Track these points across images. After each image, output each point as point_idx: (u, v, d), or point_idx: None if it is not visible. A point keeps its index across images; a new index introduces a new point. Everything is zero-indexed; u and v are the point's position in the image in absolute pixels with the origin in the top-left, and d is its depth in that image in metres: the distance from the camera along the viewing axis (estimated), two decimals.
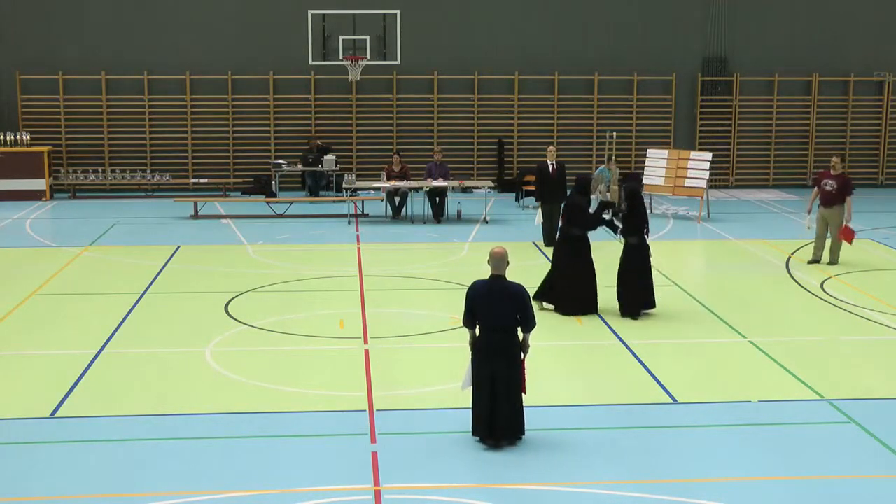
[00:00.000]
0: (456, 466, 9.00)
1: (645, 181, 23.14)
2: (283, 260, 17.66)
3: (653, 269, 14.23)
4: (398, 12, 23.70)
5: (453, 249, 18.79)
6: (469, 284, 9.65)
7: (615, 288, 14.16)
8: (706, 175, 22.28)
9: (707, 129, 27.08)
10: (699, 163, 22.48)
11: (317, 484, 8.60)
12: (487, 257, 9.51)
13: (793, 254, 18.22)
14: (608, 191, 23.10)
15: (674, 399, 10.73)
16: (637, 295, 14.01)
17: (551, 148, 19.62)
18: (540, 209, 19.00)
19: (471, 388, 9.50)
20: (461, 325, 9.72)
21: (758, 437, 9.73)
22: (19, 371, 11.72)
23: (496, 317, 9.33)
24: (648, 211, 22.74)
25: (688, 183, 22.46)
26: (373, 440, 9.57)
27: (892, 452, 9.35)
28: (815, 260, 17.34)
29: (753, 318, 13.96)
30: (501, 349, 9.34)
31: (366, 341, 12.78)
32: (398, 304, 14.75)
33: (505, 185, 26.00)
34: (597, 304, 14.14)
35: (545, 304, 14.09)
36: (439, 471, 8.91)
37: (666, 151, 23.44)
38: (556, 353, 12.28)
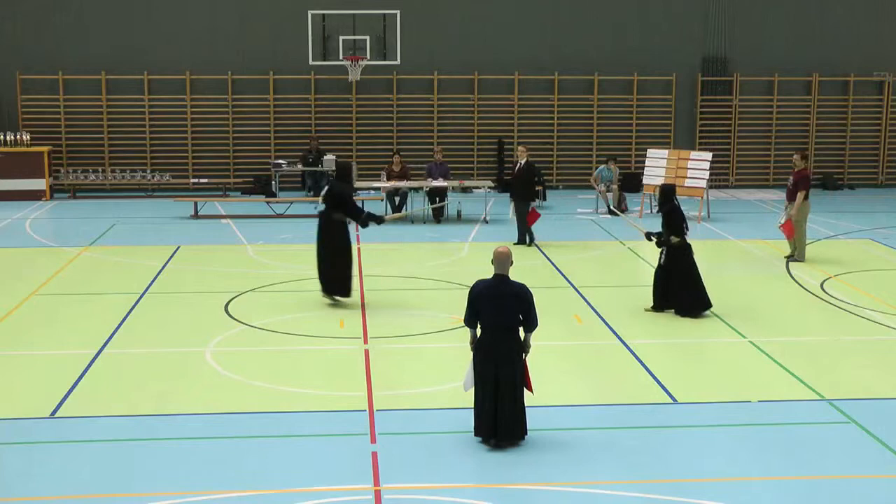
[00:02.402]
0: (456, 466, 9.00)
1: (645, 181, 23.18)
2: (283, 260, 17.66)
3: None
4: (398, 12, 23.71)
5: (453, 249, 18.79)
6: (469, 284, 9.66)
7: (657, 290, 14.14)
8: (706, 175, 22.29)
9: (707, 129, 27.08)
10: (699, 163, 22.48)
11: (317, 484, 8.60)
12: (491, 257, 9.51)
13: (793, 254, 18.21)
14: (608, 190, 23.12)
15: (674, 399, 10.73)
16: (694, 295, 13.94)
17: (521, 148, 19.73)
18: (512, 206, 19.26)
19: (473, 389, 9.51)
20: (461, 325, 9.72)
21: (758, 437, 9.73)
22: (19, 371, 11.72)
23: (499, 316, 9.32)
24: (648, 211, 22.90)
25: (688, 183, 22.45)
26: (373, 440, 9.57)
27: (892, 452, 9.35)
28: (792, 256, 17.73)
29: (753, 317, 13.95)
30: (504, 349, 9.33)
31: (366, 341, 12.77)
32: (398, 304, 14.75)
33: (505, 185, 25.97)
34: (350, 286, 14.40)
35: (337, 297, 14.34)
36: (439, 471, 8.91)
37: (666, 151, 23.44)
38: (556, 353, 12.28)
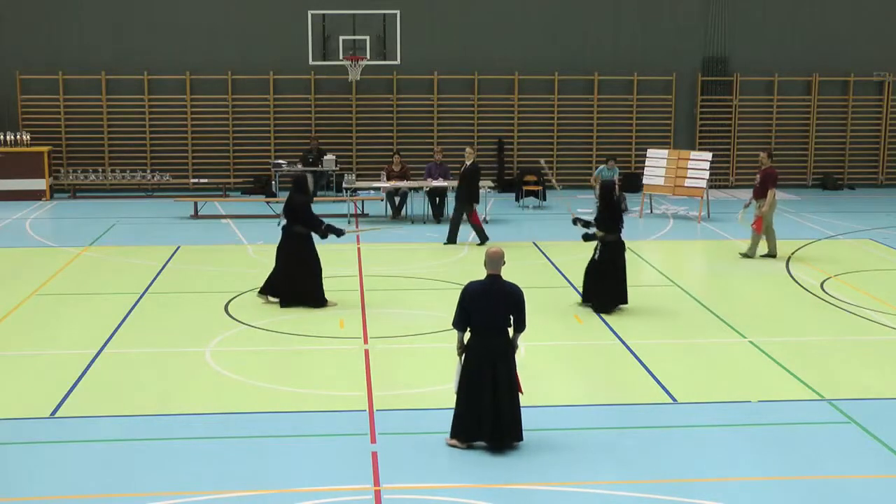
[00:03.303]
0: (456, 466, 9.00)
1: (645, 181, 23.20)
2: None
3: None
4: (398, 12, 23.70)
5: (453, 249, 18.78)
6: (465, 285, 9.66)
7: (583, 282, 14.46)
8: (706, 175, 22.30)
9: (707, 129, 27.08)
10: (699, 163, 22.49)
11: (317, 484, 8.60)
12: (484, 258, 9.50)
13: (793, 254, 18.23)
14: None
15: (674, 399, 10.74)
16: (612, 291, 14.19)
17: (469, 149, 19.95)
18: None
19: (459, 390, 9.40)
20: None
21: (758, 437, 9.74)
22: (19, 371, 11.73)
23: (495, 317, 9.31)
24: (648, 211, 22.92)
25: (688, 183, 22.46)
26: (373, 440, 9.57)
27: (892, 452, 9.35)
28: (762, 254, 18.02)
29: (753, 318, 13.96)
30: (499, 350, 9.32)
31: (366, 341, 12.78)
32: (398, 304, 14.75)
33: (505, 185, 26.02)
34: (323, 296, 14.44)
35: (270, 298, 14.43)
36: (439, 471, 8.91)
37: (666, 151, 23.44)
38: (556, 353, 12.29)
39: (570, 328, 13.47)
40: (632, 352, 12.38)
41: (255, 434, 9.71)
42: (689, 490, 8.51)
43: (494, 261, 9.44)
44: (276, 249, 14.58)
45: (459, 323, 9.39)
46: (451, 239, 19.05)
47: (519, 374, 9.49)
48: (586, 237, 14.62)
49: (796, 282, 16.22)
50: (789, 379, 11.41)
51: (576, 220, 14.94)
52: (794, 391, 11.02)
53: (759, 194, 17.84)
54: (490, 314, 9.30)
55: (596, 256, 14.33)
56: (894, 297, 15.26)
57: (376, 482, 8.63)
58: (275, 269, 14.54)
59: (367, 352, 12.33)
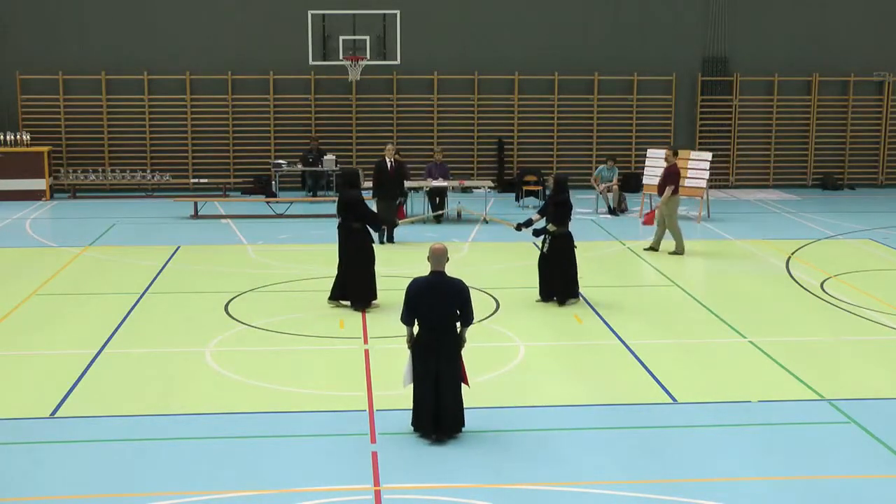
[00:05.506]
0: (456, 466, 9.01)
1: (645, 181, 23.21)
2: (283, 260, 17.66)
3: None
4: (398, 12, 23.70)
5: (453, 249, 18.77)
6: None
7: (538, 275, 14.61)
8: (706, 175, 22.29)
9: (707, 129, 27.08)
10: (699, 163, 22.49)
11: (317, 484, 8.60)
12: (428, 254, 9.59)
13: (793, 254, 18.24)
14: (609, 191, 23.12)
15: (674, 399, 10.73)
16: (567, 283, 14.30)
17: (389, 146, 20.05)
18: (375, 206, 19.32)
19: (412, 384, 9.61)
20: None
21: (758, 437, 9.73)
22: (19, 371, 11.72)
23: (440, 312, 9.47)
24: (648, 211, 22.91)
25: (688, 183, 22.43)
26: (373, 440, 9.57)
27: (892, 452, 9.35)
28: (652, 248, 18.51)
29: (753, 318, 13.96)
30: (445, 346, 9.48)
31: (366, 341, 12.78)
32: (398, 304, 14.69)
33: (505, 185, 26.02)
34: (375, 292, 14.35)
35: (342, 302, 14.31)
36: (439, 471, 8.91)
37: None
38: (556, 353, 12.28)
39: (569, 328, 13.47)
40: (632, 352, 12.37)
41: (255, 434, 9.71)
42: (689, 490, 8.51)
43: (438, 257, 9.66)
44: (338, 249, 14.43)
45: (406, 318, 9.62)
46: (391, 238, 19.14)
47: (465, 368, 9.64)
48: (536, 232, 14.78)
49: (796, 282, 16.22)
50: (789, 379, 11.41)
51: (519, 226, 15.05)
52: (794, 391, 11.02)
53: (661, 190, 18.34)
54: (436, 310, 9.46)
55: (544, 250, 14.42)
56: (894, 297, 15.26)
57: (376, 482, 8.63)
58: (340, 270, 14.35)
59: (367, 352, 12.33)
